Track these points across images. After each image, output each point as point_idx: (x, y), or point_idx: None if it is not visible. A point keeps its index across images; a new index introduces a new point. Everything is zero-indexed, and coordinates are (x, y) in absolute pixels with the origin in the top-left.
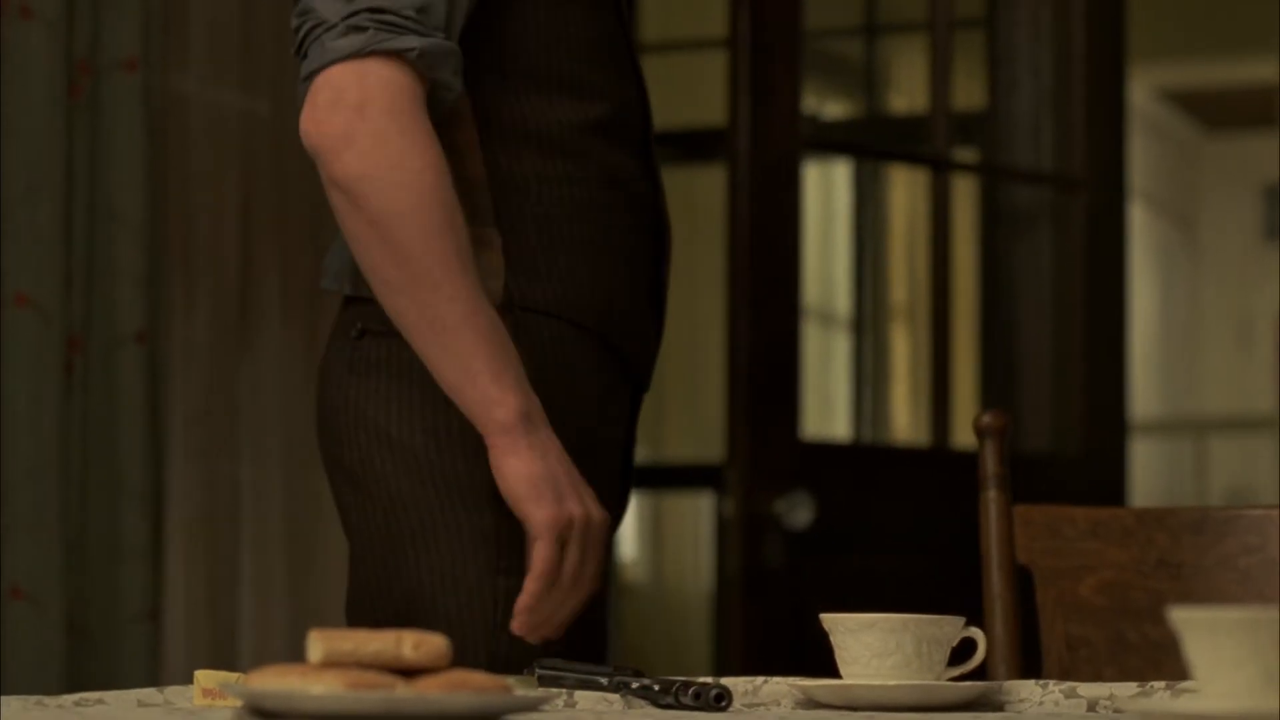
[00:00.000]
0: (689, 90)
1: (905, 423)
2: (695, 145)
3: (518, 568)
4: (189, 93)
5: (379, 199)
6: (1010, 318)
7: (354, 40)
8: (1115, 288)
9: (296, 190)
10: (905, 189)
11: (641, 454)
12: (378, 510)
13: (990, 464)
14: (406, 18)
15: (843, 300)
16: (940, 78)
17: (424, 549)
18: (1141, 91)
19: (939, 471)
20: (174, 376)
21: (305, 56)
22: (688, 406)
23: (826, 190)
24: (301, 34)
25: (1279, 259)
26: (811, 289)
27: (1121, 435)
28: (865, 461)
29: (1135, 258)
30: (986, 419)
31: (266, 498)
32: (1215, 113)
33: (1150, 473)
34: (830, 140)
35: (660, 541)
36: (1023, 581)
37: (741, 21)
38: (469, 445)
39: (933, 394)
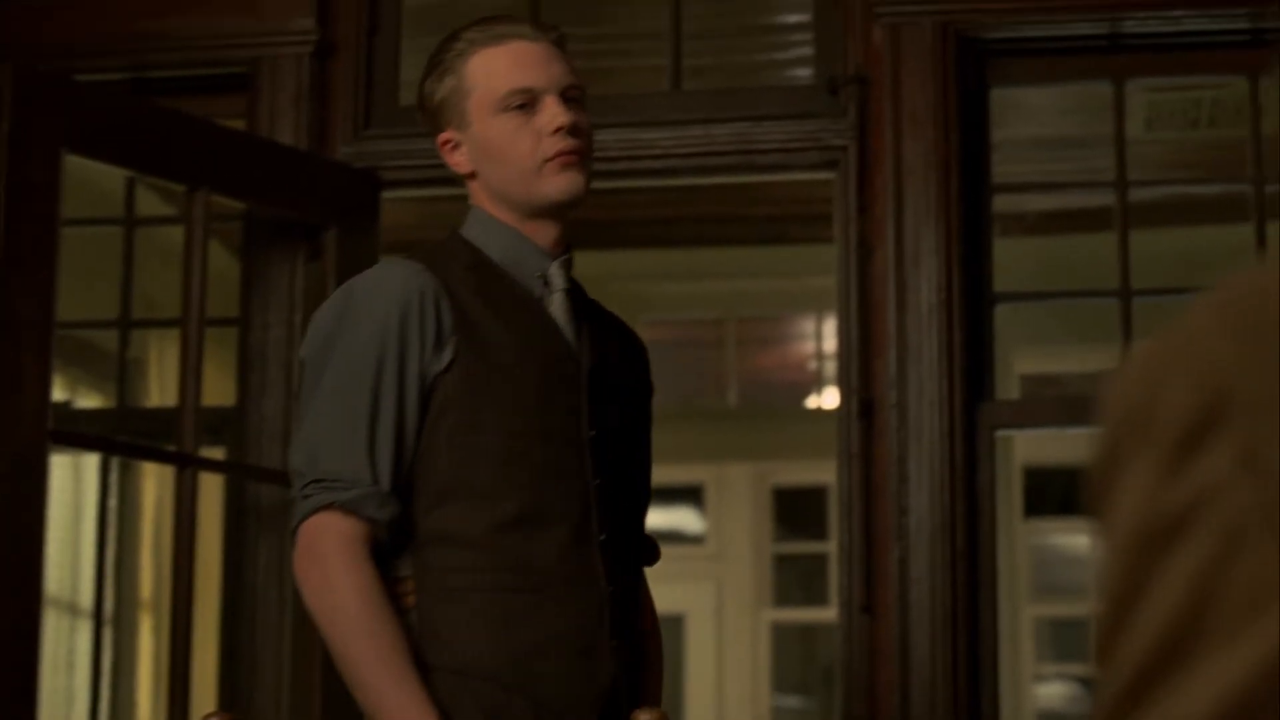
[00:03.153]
0: None
1: (147, 717)
2: None
3: None
4: None
5: (325, 624)
6: (252, 614)
7: (306, 505)
8: None
9: None
10: (156, 482)
11: None
12: None
13: None
14: (337, 480)
15: (88, 592)
16: (191, 375)
17: None
18: None
19: None
20: None
21: None
22: None
23: (76, 480)
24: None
25: None
26: (56, 579)
27: None
28: None
29: None
30: None
31: None
32: None
33: None
34: (79, 432)
35: None
36: None
37: None
38: None
39: (170, 689)
